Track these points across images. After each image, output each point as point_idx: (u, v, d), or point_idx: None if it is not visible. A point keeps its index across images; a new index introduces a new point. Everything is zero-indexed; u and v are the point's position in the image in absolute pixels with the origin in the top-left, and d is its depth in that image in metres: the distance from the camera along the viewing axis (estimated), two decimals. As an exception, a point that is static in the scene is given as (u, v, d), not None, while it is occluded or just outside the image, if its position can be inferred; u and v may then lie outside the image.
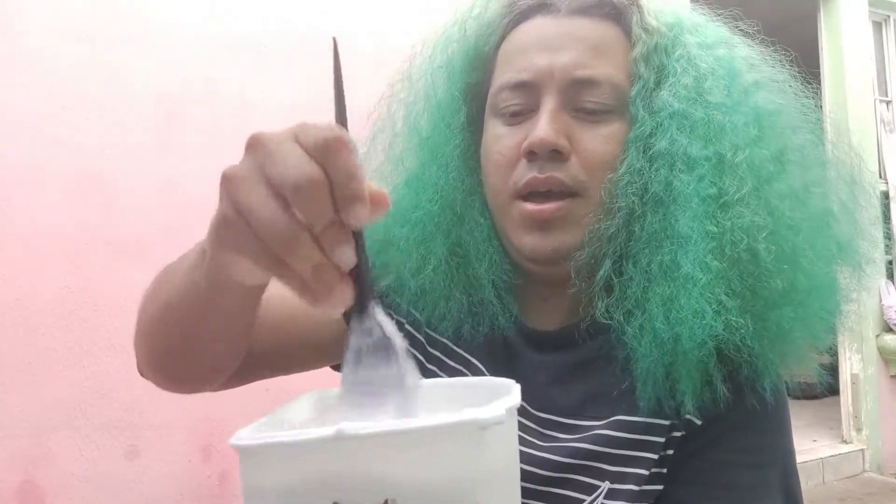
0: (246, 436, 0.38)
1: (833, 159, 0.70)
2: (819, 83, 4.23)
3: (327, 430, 0.36)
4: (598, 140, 0.66)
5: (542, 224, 0.66)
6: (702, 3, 0.75)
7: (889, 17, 4.71)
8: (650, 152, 0.65)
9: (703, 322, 0.60)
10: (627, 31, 0.69)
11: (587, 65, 0.66)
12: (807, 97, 0.70)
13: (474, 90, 0.74)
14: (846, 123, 4.15)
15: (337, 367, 0.82)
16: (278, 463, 0.37)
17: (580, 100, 0.66)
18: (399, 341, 0.43)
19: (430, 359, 0.75)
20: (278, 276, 0.40)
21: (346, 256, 0.39)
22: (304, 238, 0.38)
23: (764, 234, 0.61)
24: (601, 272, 0.66)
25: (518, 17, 0.72)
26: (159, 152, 2.36)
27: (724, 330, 0.60)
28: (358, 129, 0.80)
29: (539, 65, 0.67)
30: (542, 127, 0.65)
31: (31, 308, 2.16)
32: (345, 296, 0.40)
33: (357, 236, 0.40)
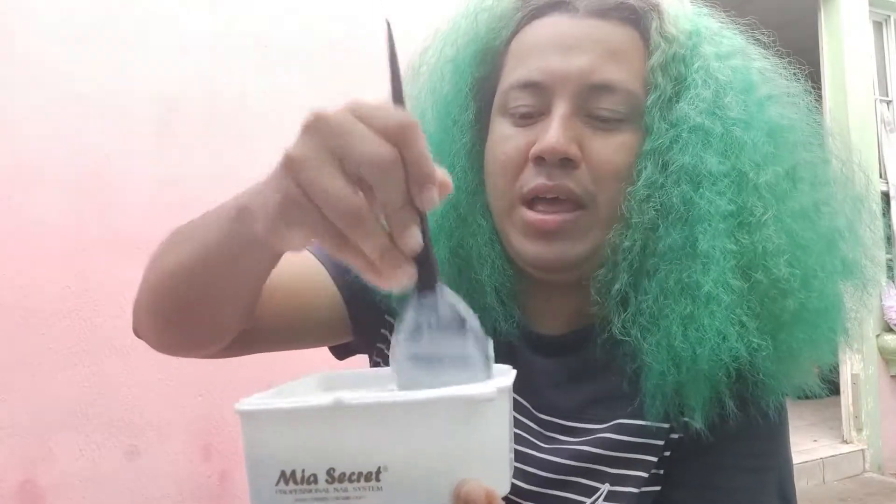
0: (250, 402, 0.40)
1: (841, 177, 0.69)
2: (819, 83, 4.22)
3: (326, 399, 0.38)
4: (609, 149, 0.65)
5: (545, 233, 0.65)
6: (703, 4, 0.74)
7: (889, 17, 4.71)
8: (670, 167, 0.64)
9: (727, 344, 0.59)
10: (646, 37, 0.67)
11: (603, 70, 0.64)
12: (817, 113, 0.69)
13: (481, 85, 0.72)
14: (846, 123, 4.15)
15: (335, 349, 0.83)
16: (279, 428, 0.39)
17: (593, 105, 0.65)
18: (473, 320, 0.44)
19: None
20: (342, 254, 0.41)
21: (415, 239, 0.40)
22: (374, 219, 0.39)
23: (779, 254, 0.61)
24: (617, 286, 0.64)
25: (533, 13, 0.69)
26: (159, 152, 2.37)
27: (745, 352, 0.59)
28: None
29: (553, 66, 0.65)
30: (553, 134, 0.63)
31: (31, 308, 2.16)
32: (410, 275, 0.41)
33: (422, 218, 0.41)
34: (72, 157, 2.23)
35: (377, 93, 0.79)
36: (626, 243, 0.64)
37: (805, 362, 0.66)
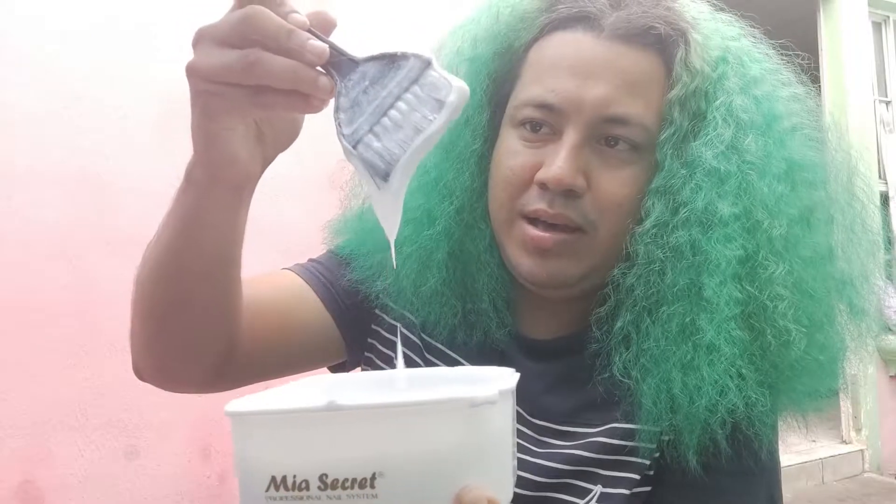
0: (240, 403, 0.39)
1: (860, 218, 0.67)
2: (819, 83, 4.23)
3: (319, 401, 0.36)
4: (616, 182, 0.64)
5: (542, 251, 0.65)
6: (706, 4, 0.73)
7: (889, 17, 4.71)
8: (681, 210, 0.62)
9: (726, 399, 0.59)
10: (669, 66, 0.65)
11: (620, 102, 0.63)
12: (843, 151, 0.68)
13: (496, 86, 0.70)
14: (846, 124, 4.11)
15: (333, 369, 0.81)
16: (269, 431, 0.38)
17: (605, 135, 0.64)
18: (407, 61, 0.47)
19: (429, 365, 0.74)
20: (262, 105, 0.46)
21: (317, 46, 0.44)
22: (270, 56, 0.44)
23: (788, 308, 0.60)
24: (619, 324, 0.64)
25: (556, 24, 0.67)
26: (160, 152, 2.36)
27: (743, 406, 0.59)
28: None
29: (569, 91, 0.63)
30: (561, 165, 0.62)
31: (31, 308, 2.16)
32: (327, 82, 0.45)
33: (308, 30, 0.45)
34: (71, 157, 2.23)
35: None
36: (630, 281, 0.64)
37: (802, 410, 0.66)
